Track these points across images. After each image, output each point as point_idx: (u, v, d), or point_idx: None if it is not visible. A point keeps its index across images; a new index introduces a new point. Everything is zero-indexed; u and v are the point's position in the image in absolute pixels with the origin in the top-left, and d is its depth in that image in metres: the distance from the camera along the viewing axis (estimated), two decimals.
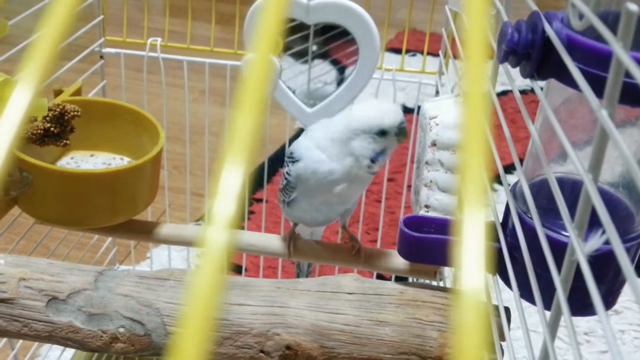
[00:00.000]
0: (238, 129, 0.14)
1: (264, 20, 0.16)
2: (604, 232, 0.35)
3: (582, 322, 1.03)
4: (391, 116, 0.58)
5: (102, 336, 0.46)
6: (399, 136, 0.58)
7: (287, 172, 0.61)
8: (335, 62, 0.73)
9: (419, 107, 0.70)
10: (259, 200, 1.28)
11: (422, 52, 0.85)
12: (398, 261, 0.61)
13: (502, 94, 1.52)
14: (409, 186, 0.73)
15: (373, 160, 0.58)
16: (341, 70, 0.73)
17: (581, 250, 0.29)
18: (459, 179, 0.13)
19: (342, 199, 0.61)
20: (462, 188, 0.13)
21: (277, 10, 0.16)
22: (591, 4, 0.31)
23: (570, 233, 0.30)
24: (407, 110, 1.59)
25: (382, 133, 0.57)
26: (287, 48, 0.71)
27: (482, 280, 0.13)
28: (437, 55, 0.79)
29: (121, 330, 0.46)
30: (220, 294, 0.12)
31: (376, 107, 0.59)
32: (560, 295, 0.31)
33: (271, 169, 1.32)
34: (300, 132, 1.36)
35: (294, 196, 0.61)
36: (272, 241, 0.65)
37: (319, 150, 0.59)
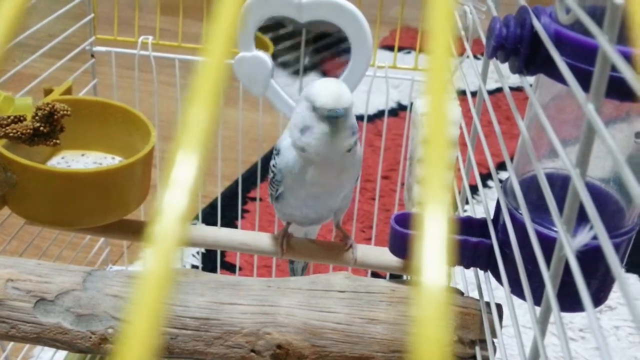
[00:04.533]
0: (191, 122, 0.13)
1: (219, 14, 0.15)
2: (592, 226, 0.34)
3: (577, 318, 1.03)
4: (328, 98, 0.54)
5: (91, 337, 0.46)
6: (328, 124, 0.54)
7: (273, 165, 0.60)
8: (324, 74, 0.72)
9: (412, 104, 0.70)
10: (253, 199, 1.28)
11: (416, 49, 0.85)
12: (392, 259, 0.61)
13: (497, 91, 1.52)
14: (403, 184, 0.73)
15: (302, 132, 0.55)
16: None
17: (569, 245, 0.29)
18: (424, 173, 0.13)
19: (325, 189, 0.59)
20: (426, 182, 0.13)
21: (232, 3, 0.16)
22: None
23: (559, 228, 0.30)
24: (401, 108, 1.60)
25: (314, 108, 0.54)
26: (276, 57, 0.70)
27: (443, 274, 0.12)
28: None
29: (110, 331, 0.46)
30: (169, 288, 0.12)
31: (331, 84, 0.56)
32: (550, 291, 0.31)
33: (265, 168, 1.32)
34: None
35: (281, 190, 0.60)
36: (265, 239, 0.65)
37: (290, 138, 0.58)
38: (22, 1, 0.14)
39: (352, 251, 0.63)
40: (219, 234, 0.67)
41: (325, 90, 0.54)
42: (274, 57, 0.69)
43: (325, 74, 0.72)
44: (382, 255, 0.63)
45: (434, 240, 0.12)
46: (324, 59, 0.71)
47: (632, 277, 1.14)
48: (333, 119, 0.54)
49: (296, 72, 0.72)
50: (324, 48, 0.70)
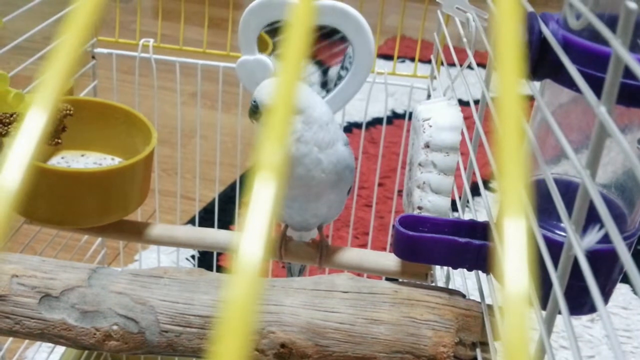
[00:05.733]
0: (268, 146, 0.13)
1: (290, 38, 0.15)
2: (600, 227, 0.35)
3: None
4: (258, 90, 0.58)
5: (95, 334, 0.46)
6: (251, 112, 0.59)
7: None
8: (320, 64, 0.72)
9: (410, 113, 0.70)
10: None
11: (410, 59, 0.86)
12: (389, 262, 0.61)
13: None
14: (400, 191, 0.74)
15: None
16: (325, 71, 0.72)
17: (579, 245, 0.29)
18: (499, 184, 0.13)
19: (298, 192, 0.60)
20: (502, 193, 0.13)
21: (303, 17, 0.15)
22: (589, 4, 0.32)
23: (568, 228, 0.30)
24: (396, 116, 1.61)
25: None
26: (273, 48, 0.71)
27: (527, 284, 0.13)
28: (426, 62, 0.80)
29: (115, 327, 0.46)
30: (257, 303, 0.12)
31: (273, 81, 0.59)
32: (558, 291, 0.32)
33: None
34: None
35: None
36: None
37: None
38: (88, 23, 0.15)
39: (320, 251, 0.63)
40: (218, 236, 0.67)
41: (265, 83, 0.59)
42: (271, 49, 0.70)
43: (320, 63, 0.72)
44: (379, 259, 0.63)
45: (515, 250, 0.12)
46: (319, 49, 0.71)
47: (624, 287, 1.15)
48: (254, 107, 0.59)
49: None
50: (320, 38, 0.70)
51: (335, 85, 0.69)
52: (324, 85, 0.71)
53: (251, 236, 0.12)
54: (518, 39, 0.15)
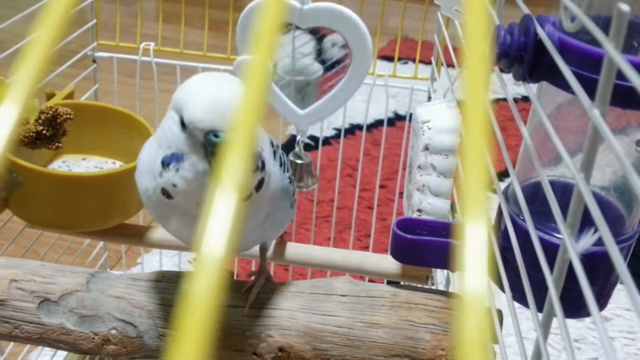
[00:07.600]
0: (239, 130, 0.13)
1: (260, 25, 0.15)
2: (595, 231, 0.35)
3: (572, 329, 1.03)
4: (205, 110, 0.35)
5: (93, 338, 0.46)
6: (206, 154, 0.36)
7: None
8: (314, 32, 0.69)
9: (411, 115, 0.70)
10: None
11: (413, 60, 0.86)
12: (389, 265, 0.61)
13: (494, 102, 1.53)
14: (401, 193, 0.74)
15: (165, 163, 0.38)
16: (320, 39, 0.70)
17: (573, 248, 0.29)
18: (462, 184, 0.13)
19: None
20: (465, 193, 0.13)
21: (274, 14, 0.16)
22: (583, 6, 0.32)
23: (563, 232, 0.30)
24: (398, 117, 1.61)
25: (183, 124, 0.37)
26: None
27: (485, 285, 0.13)
28: (428, 62, 0.80)
29: (113, 332, 0.46)
30: (218, 299, 0.12)
31: (211, 86, 0.36)
32: (553, 294, 0.32)
33: None
34: (292, 138, 1.36)
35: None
36: None
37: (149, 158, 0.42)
38: (66, 9, 0.15)
39: (248, 291, 0.47)
40: None
41: (202, 96, 0.36)
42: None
43: (313, 32, 0.68)
44: (380, 262, 0.63)
45: (475, 250, 0.12)
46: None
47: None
48: (214, 146, 0.36)
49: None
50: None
51: (320, 52, 0.68)
52: (323, 62, 0.70)
53: (214, 233, 0.12)
54: (486, 43, 0.15)
